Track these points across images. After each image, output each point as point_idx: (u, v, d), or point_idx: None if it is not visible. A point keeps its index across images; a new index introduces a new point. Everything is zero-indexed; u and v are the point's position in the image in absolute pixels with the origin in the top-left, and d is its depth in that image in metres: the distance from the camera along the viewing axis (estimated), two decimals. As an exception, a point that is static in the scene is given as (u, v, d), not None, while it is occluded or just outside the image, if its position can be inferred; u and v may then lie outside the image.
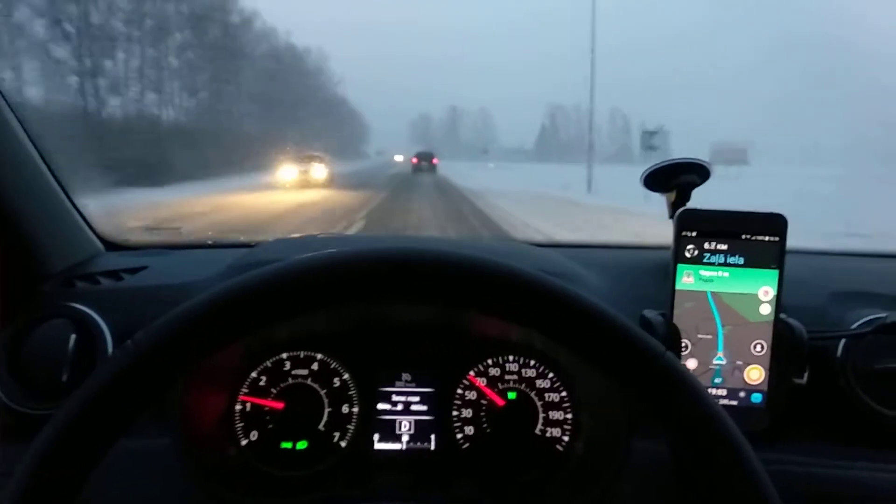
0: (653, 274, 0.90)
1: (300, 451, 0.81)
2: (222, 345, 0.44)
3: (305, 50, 55.41)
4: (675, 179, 0.85)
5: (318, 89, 57.70)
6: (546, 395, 0.83)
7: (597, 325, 0.44)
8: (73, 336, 0.76)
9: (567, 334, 0.45)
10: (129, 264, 0.94)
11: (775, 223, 0.72)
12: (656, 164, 0.85)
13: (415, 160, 34.36)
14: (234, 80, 32.41)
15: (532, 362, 0.84)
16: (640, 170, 0.87)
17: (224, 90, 31.21)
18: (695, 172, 0.84)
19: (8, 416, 0.74)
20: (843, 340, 0.77)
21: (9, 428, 0.74)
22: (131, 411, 0.42)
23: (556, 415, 0.83)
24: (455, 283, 0.45)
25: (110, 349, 0.77)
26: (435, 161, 34.57)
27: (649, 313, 0.72)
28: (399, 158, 58.29)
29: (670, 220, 0.77)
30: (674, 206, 0.85)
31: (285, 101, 40.95)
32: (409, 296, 0.46)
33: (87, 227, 1.00)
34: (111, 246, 1.04)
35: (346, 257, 0.45)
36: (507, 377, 0.84)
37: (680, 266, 0.72)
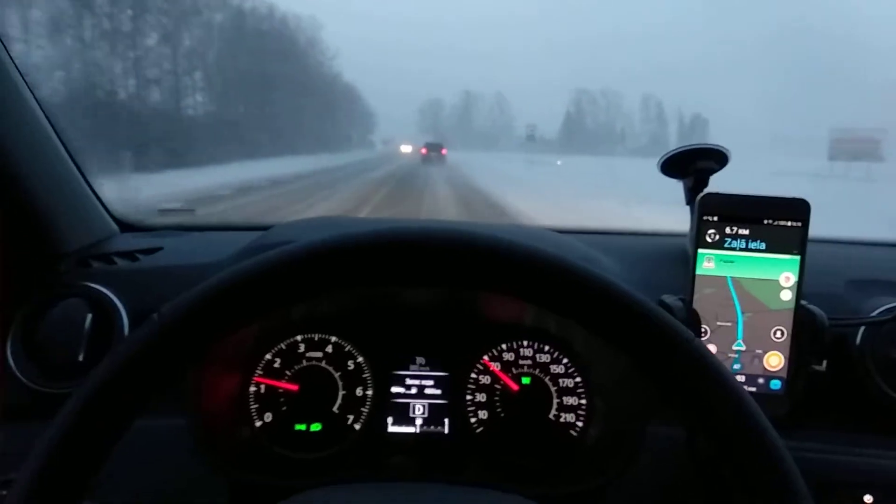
0: (671, 260, 0.97)
1: (314, 433, 0.88)
2: (246, 321, 0.47)
3: (293, 16, 51.59)
4: (692, 165, 0.92)
5: (308, 65, 54.21)
6: (560, 380, 0.91)
7: (622, 308, 0.48)
8: (90, 315, 0.83)
9: (589, 316, 0.48)
10: (144, 245, 1.02)
11: (798, 208, 0.77)
12: (673, 150, 0.92)
13: (424, 151, 37.86)
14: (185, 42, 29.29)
15: (546, 347, 0.92)
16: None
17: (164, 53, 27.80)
18: (712, 158, 0.91)
19: (25, 394, 0.82)
20: (862, 328, 0.83)
21: (26, 406, 0.82)
22: (155, 386, 0.45)
23: (570, 400, 0.90)
24: (478, 263, 0.48)
25: (126, 329, 0.85)
26: (444, 151, 37.99)
27: (669, 298, 0.79)
28: (406, 149, 55.96)
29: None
30: (692, 192, 0.92)
31: (260, 76, 38.00)
32: (433, 276, 0.49)
33: (102, 208, 1.08)
34: (126, 227, 1.12)
35: (370, 236, 0.48)
36: (521, 362, 0.91)
37: (700, 251, 0.78)
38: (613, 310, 0.48)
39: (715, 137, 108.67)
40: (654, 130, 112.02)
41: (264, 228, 1.11)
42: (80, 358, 0.82)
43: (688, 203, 0.93)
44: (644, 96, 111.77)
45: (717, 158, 0.91)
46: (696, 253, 0.79)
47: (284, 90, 39.62)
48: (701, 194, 0.80)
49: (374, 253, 0.48)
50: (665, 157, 0.94)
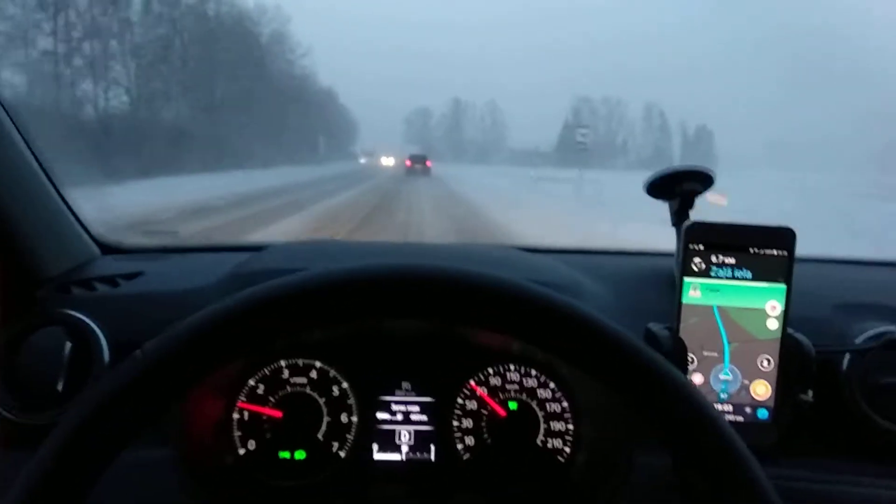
0: (655, 283, 1.03)
1: (298, 461, 0.93)
2: (230, 359, 0.50)
3: (256, 6, 45.62)
4: (678, 187, 0.98)
5: (269, 62, 48.49)
6: (547, 405, 0.97)
7: (610, 348, 0.51)
8: (69, 344, 0.88)
9: (576, 355, 0.53)
10: (126, 269, 1.06)
11: (784, 237, 0.83)
12: (658, 172, 0.99)
13: (408, 163, 40.55)
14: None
15: (533, 372, 0.98)
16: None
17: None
18: (698, 180, 0.98)
19: (3, 425, 0.86)
20: (847, 355, 0.90)
21: (5, 437, 0.86)
22: (137, 424, 0.48)
23: (557, 425, 0.96)
24: (459, 301, 0.52)
25: (107, 358, 0.89)
26: (429, 164, 40.92)
27: (655, 327, 0.84)
28: (388, 162, 54.76)
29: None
30: (677, 215, 0.99)
31: (211, 74, 35.28)
32: (413, 313, 0.53)
33: (82, 230, 1.12)
34: (107, 249, 1.16)
35: (353, 274, 0.52)
36: (507, 386, 0.97)
37: (686, 279, 0.84)
38: (600, 349, 0.51)
39: (720, 150, 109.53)
40: (657, 142, 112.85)
41: (248, 249, 1.16)
42: (60, 388, 0.86)
43: (674, 225, 1.00)
44: (647, 105, 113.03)
45: (701, 180, 0.98)
46: (681, 281, 0.85)
47: (236, 91, 37.41)
48: (686, 223, 0.86)
49: (358, 291, 0.52)
50: (651, 180, 1.00)
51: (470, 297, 0.52)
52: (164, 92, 29.70)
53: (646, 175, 1.01)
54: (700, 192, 0.99)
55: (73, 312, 0.91)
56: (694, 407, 0.49)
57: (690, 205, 0.99)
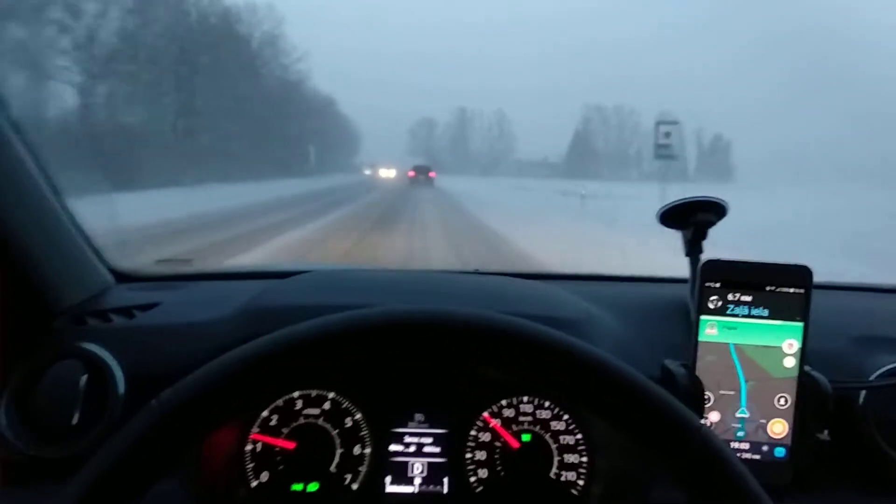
0: (669, 313, 1.06)
1: (311, 493, 0.96)
2: (245, 409, 0.54)
3: (247, 6, 43.89)
4: (692, 217, 1.02)
5: (262, 66, 46.91)
6: (561, 437, 1.00)
7: (626, 393, 0.54)
8: (84, 377, 0.91)
9: (593, 401, 0.55)
10: (141, 300, 1.10)
11: (800, 275, 0.87)
12: (672, 202, 1.03)
13: (412, 174, 42.81)
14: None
15: (547, 403, 1.01)
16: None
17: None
18: (712, 211, 1.01)
19: (20, 458, 0.89)
20: (864, 391, 0.93)
21: (20, 471, 0.90)
22: (153, 474, 0.50)
23: (571, 458, 0.99)
24: (467, 346, 0.55)
25: (122, 391, 0.92)
26: (432, 174, 43.04)
27: (671, 364, 0.87)
28: (388, 174, 53.87)
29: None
30: (690, 244, 1.03)
31: (189, 77, 32.85)
32: (422, 358, 0.56)
33: (96, 259, 1.15)
34: (121, 277, 1.20)
35: (366, 322, 0.55)
36: (521, 418, 1.00)
37: (703, 317, 0.88)
38: (616, 394, 0.54)
39: (738, 160, 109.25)
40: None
41: (265, 276, 1.19)
42: (75, 421, 0.89)
43: (687, 255, 1.04)
44: (661, 113, 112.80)
45: (716, 211, 1.02)
46: (698, 319, 0.88)
47: (217, 96, 35.17)
48: (702, 261, 0.89)
49: (368, 338, 0.55)
50: (664, 210, 1.04)
51: (480, 343, 0.55)
52: (131, 96, 27.70)
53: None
54: (714, 223, 1.02)
55: (88, 345, 0.94)
56: (708, 448, 0.52)
57: (704, 235, 1.03)
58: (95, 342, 0.95)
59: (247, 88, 38.73)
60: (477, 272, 1.37)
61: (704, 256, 1.00)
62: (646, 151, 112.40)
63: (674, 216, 1.04)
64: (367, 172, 59.02)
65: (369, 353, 0.56)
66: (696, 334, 0.88)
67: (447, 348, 0.55)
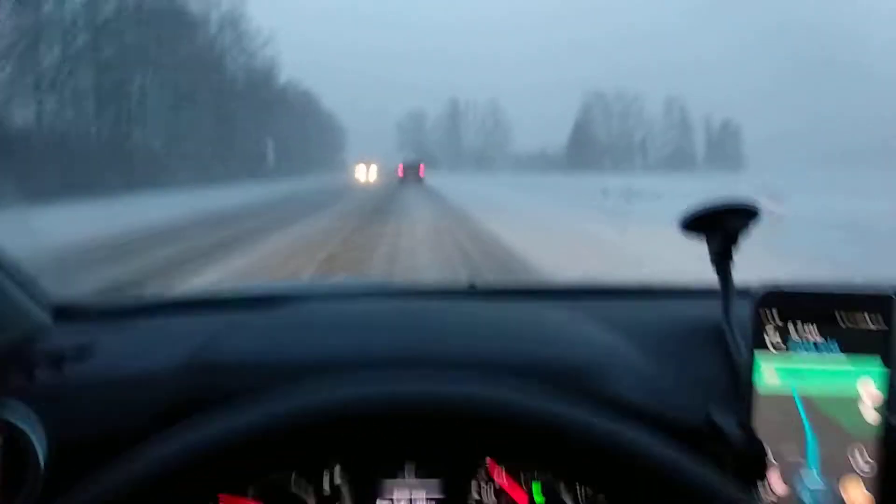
0: (702, 339, 0.94)
1: None
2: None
3: None
4: (720, 223, 0.93)
5: (223, 53, 43.49)
6: (579, 487, 0.85)
7: (666, 483, 0.52)
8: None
9: (622, 490, 0.53)
10: (76, 342, 0.99)
11: (880, 304, 0.73)
12: (697, 207, 0.93)
13: (400, 170, 42.06)
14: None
15: None
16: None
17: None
18: (744, 215, 0.91)
19: None
20: None
21: None
22: None
23: None
24: (487, 435, 0.56)
25: (42, 462, 0.82)
26: (421, 171, 42.25)
27: (720, 418, 0.74)
28: (369, 174, 50.53)
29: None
30: (719, 255, 0.95)
31: (123, 65, 29.61)
32: (421, 448, 0.56)
33: (25, 293, 1.06)
34: (60, 312, 1.11)
35: (343, 406, 0.56)
36: (529, 465, 0.86)
37: (759, 360, 0.74)
38: (652, 483, 0.52)
39: (749, 147, 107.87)
40: (677, 139, 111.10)
41: (233, 303, 1.16)
42: None
43: (714, 264, 0.96)
44: (667, 99, 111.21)
45: (748, 215, 0.92)
46: (752, 362, 0.75)
47: (160, 87, 32.20)
48: (762, 291, 0.76)
49: (345, 429, 0.57)
50: (687, 216, 0.94)
51: (486, 433, 0.56)
52: (45, 87, 24.17)
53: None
54: (747, 229, 0.93)
55: (4, 406, 0.85)
56: None
57: (735, 242, 0.94)
58: (15, 400, 0.86)
59: (201, 79, 35.92)
60: (472, 289, 1.35)
61: (735, 266, 0.95)
62: (650, 140, 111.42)
63: (699, 222, 0.95)
64: (354, 173, 54.92)
65: (362, 441, 0.56)
66: (751, 380, 0.75)
67: (452, 440, 0.56)
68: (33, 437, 0.83)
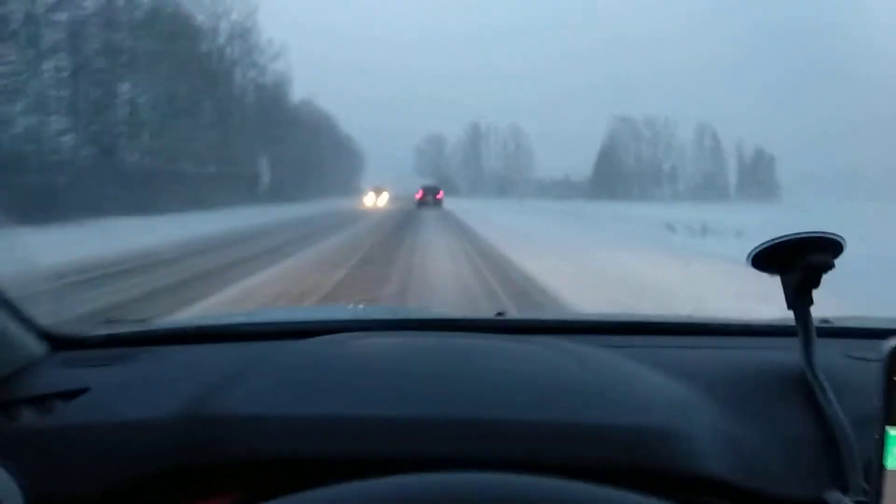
0: (784, 388, 0.87)
1: None
2: None
3: None
4: (799, 259, 0.85)
5: (231, 65, 40.71)
6: None
7: None
8: None
9: None
10: (68, 383, 0.93)
11: None
12: (773, 241, 0.87)
13: (419, 195, 42.78)
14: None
15: None
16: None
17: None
18: (827, 250, 0.84)
19: None
20: None
21: None
22: None
23: None
24: None
25: None
26: (440, 196, 43.30)
27: (836, 499, 0.69)
28: (379, 199, 48.21)
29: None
30: (797, 295, 0.88)
31: (136, 82, 27.68)
32: None
33: (22, 328, 1.00)
34: (61, 343, 1.06)
35: None
36: None
37: (892, 434, 0.65)
38: None
39: (784, 178, 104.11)
40: (708, 168, 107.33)
41: (251, 336, 1.09)
42: None
43: (790, 307, 0.89)
44: (699, 126, 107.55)
45: (832, 250, 0.85)
46: (883, 439, 0.66)
47: (168, 103, 29.11)
48: (889, 350, 0.67)
49: None
50: (760, 249, 0.88)
51: None
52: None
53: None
54: (831, 266, 0.86)
55: None
56: None
57: (815, 283, 0.87)
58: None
59: (204, 92, 32.83)
60: (501, 320, 1.28)
61: (815, 308, 0.88)
62: (680, 169, 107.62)
63: (772, 259, 0.88)
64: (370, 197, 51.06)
65: None
66: (881, 458, 0.65)
67: None
68: (16, 493, 0.72)
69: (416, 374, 0.92)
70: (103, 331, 1.16)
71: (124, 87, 27.08)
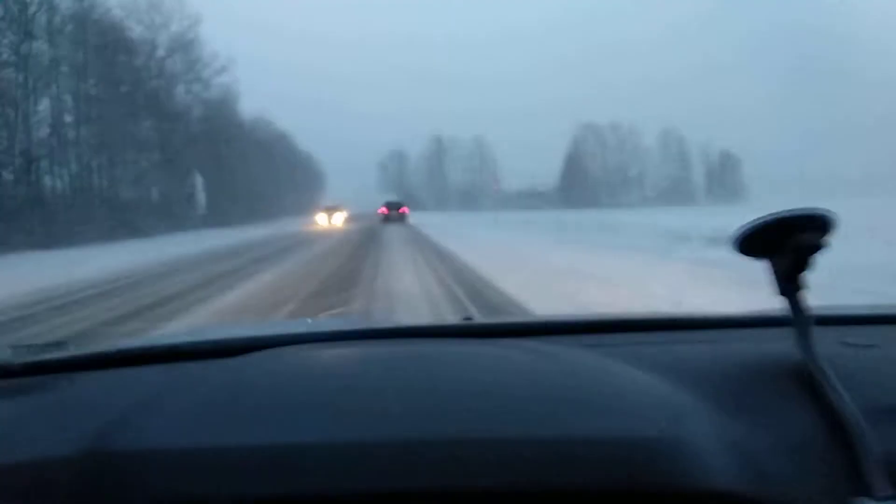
0: (784, 382, 0.81)
1: None
2: None
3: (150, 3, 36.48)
4: (788, 240, 0.79)
5: (170, 80, 38.37)
6: None
7: None
8: None
9: None
10: None
11: None
12: (757, 221, 0.80)
13: (384, 210, 42.21)
14: None
15: None
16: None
17: None
18: (818, 229, 0.78)
19: None
20: None
21: None
22: None
23: None
24: None
25: None
26: (403, 210, 42.60)
27: None
28: (329, 219, 42.46)
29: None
30: (787, 280, 0.81)
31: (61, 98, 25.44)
32: None
33: None
34: None
35: None
36: None
37: None
38: None
39: (749, 179, 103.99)
40: (675, 172, 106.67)
41: (172, 356, 1.00)
42: None
43: (782, 294, 0.82)
44: (664, 131, 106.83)
45: (823, 228, 0.78)
46: None
47: (101, 122, 26.98)
48: None
49: None
50: (745, 231, 0.80)
51: None
52: None
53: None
54: (822, 247, 0.79)
55: None
56: None
57: (806, 266, 0.80)
58: None
59: (143, 109, 30.14)
60: (468, 325, 1.22)
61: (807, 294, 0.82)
62: (647, 174, 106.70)
63: (759, 240, 0.80)
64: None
65: None
66: None
67: None
68: None
69: (371, 389, 0.83)
70: (7, 359, 1.03)
71: (43, 105, 24.37)
